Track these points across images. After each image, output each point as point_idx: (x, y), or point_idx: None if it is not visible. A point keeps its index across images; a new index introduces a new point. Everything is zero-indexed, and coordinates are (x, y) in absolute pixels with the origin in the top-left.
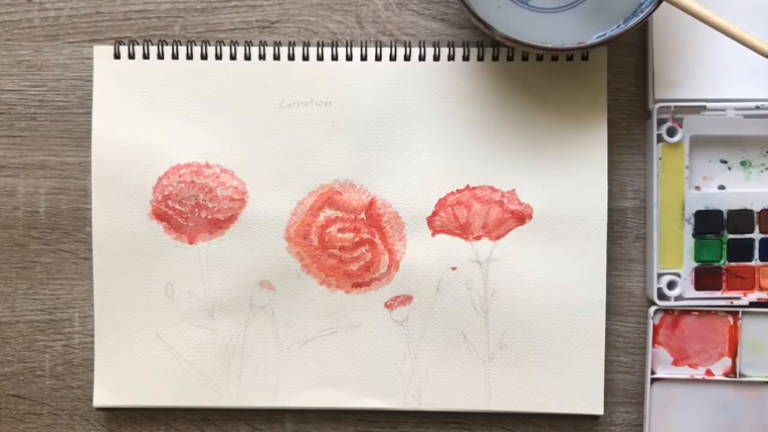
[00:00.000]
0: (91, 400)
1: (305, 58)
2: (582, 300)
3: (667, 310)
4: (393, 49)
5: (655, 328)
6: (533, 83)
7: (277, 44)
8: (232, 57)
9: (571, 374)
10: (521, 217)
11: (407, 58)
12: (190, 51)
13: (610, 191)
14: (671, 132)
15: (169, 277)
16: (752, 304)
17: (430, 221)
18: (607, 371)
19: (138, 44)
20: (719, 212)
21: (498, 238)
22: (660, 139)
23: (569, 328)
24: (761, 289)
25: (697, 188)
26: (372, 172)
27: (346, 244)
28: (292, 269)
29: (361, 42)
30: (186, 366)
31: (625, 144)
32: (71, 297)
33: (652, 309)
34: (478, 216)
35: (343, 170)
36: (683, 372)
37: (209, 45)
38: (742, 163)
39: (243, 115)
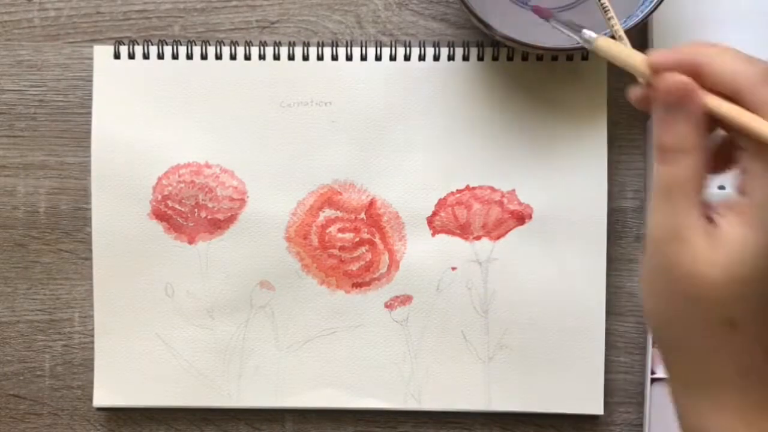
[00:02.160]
0: (91, 400)
1: (305, 58)
2: (582, 300)
3: None
4: (393, 49)
5: None
6: (533, 83)
7: (277, 44)
8: (232, 57)
9: (571, 374)
10: (521, 217)
11: (407, 58)
12: (190, 51)
13: (610, 191)
14: None
15: (169, 277)
16: None
17: (430, 221)
18: (607, 371)
19: (138, 44)
20: None
21: (498, 238)
22: None
23: (569, 328)
24: None
25: None
26: (372, 172)
27: (346, 244)
28: (292, 269)
29: (361, 42)
30: (186, 366)
31: (625, 144)
32: (71, 297)
33: None
34: (478, 216)
35: (343, 170)
36: None
37: (209, 45)
38: None
39: (243, 115)
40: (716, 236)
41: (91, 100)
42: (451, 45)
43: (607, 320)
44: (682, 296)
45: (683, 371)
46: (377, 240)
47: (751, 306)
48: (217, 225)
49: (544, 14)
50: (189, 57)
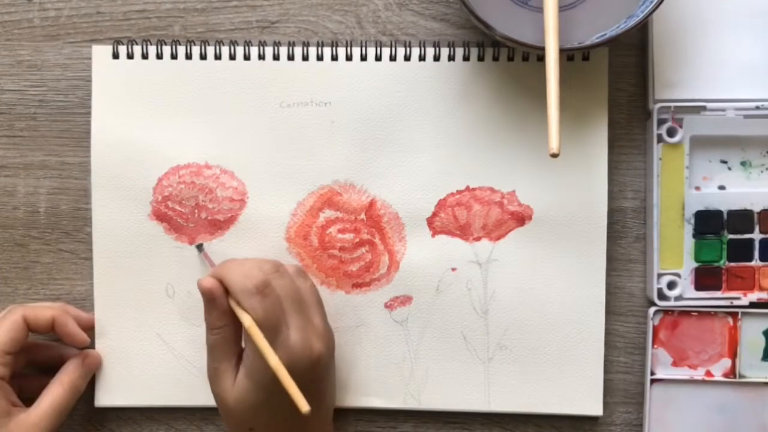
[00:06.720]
0: (91, 400)
1: (305, 58)
2: (582, 300)
3: (666, 311)
4: (393, 49)
5: (655, 329)
6: (533, 83)
7: (277, 44)
8: (232, 57)
9: (570, 374)
10: (521, 218)
11: (407, 58)
12: (189, 51)
13: (610, 191)
14: (671, 132)
15: (169, 277)
16: (752, 305)
17: (430, 222)
18: (606, 371)
19: (137, 44)
20: (719, 212)
21: (498, 239)
22: (660, 139)
23: (569, 328)
24: (761, 289)
25: (697, 188)
26: (372, 172)
27: (346, 245)
28: None
29: (361, 42)
30: (186, 366)
31: (625, 144)
32: (71, 297)
33: (652, 310)
34: (478, 217)
35: (343, 170)
36: (683, 373)
37: (209, 45)
38: (742, 164)
39: (243, 115)
40: (235, 378)
41: (90, 100)
42: (451, 45)
43: (606, 320)
44: (224, 413)
45: None
46: (377, 241)
47: (261, 419)
48: (218, 226)
49: None
50: (189, 57)
